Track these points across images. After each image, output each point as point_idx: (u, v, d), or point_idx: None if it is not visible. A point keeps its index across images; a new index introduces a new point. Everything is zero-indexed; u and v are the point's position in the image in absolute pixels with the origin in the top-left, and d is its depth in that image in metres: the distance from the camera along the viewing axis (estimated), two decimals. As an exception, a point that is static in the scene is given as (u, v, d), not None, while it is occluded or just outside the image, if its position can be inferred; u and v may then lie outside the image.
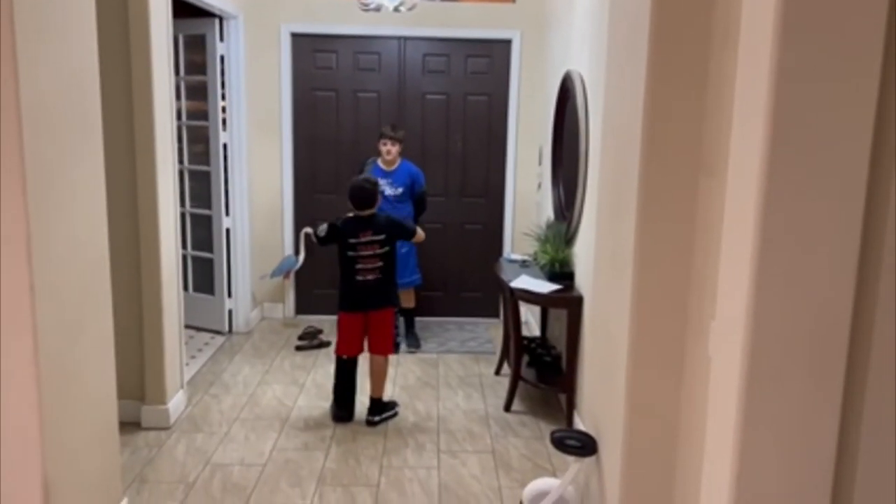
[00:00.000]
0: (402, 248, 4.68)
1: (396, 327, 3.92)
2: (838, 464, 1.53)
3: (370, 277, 3.84)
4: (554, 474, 3.34)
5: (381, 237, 3.83)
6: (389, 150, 4.89)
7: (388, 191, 4.87)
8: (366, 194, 3.83)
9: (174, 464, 3.39)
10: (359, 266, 3.82)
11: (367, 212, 3.85)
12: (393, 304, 3.96)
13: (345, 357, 3.94)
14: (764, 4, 1.43)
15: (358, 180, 3.90)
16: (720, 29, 1.89)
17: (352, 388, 3.99)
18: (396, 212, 4.78)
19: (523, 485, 3.06)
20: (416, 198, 5.01)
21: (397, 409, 4.06)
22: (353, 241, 3.81)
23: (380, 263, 3.84)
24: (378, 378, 3.94)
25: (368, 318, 3.91)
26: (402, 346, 5.03)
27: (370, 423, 3.89)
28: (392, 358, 4.67)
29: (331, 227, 3.87)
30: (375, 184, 3.91)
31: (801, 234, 1.45)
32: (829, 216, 1.44)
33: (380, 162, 4.93)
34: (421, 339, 5.21)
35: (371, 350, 3.94)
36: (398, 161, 4.97)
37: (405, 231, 3.98)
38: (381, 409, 3.95)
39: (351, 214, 3.87)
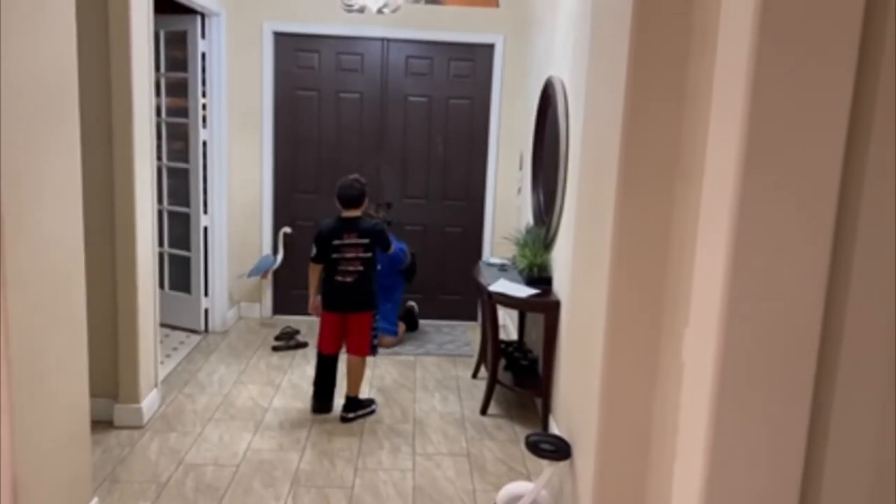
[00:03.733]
0: (386, 303, 4.98)
1: (374, 329, 3.92)
2: (807, 467, 1.55)
3: (349, 280, 3.87)
4: (528, 478, 3.35)
5: (365, 241, 3.85)
6: None
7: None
8: (354, 192, 3.84)
9: (147, 463, 3.35)
10: (340, 267, 3.86)
11: (353, 213, 3.87)
12: (371, 308, 3.96)
13: (325, 354, 3.99)
14: (742, 14, 1.45)
15: (347, 179, 3.90)
16: (698, 38, 1.91)
17: (331, 383, 4.03)
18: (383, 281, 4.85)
19: (498, 488, 3.07)
20: (404, 268, 5.18)
21: (374, 407, 4.07)
22: (336, 242, 3.83)
23: (360, 267, 3.87)
24: (354, 377, 3.96)
25: (347, 320, 3.94)
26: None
27: (344, 420, 3.92)
28: (369, 359, 4.67)
29: (315, 241, 3.89)
30: (364, 184, 3.92)
31: (774, 241, 1.47)
32: (801, 224, 1.47)
33: None
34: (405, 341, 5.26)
35: (348, 350, 3.97)
36: None
37: (385, 240, 3.98)
38: (356, 406, 3.97)
39: (339, 216, 3.89)
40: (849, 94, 1.43)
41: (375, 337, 3.99)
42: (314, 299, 4.00)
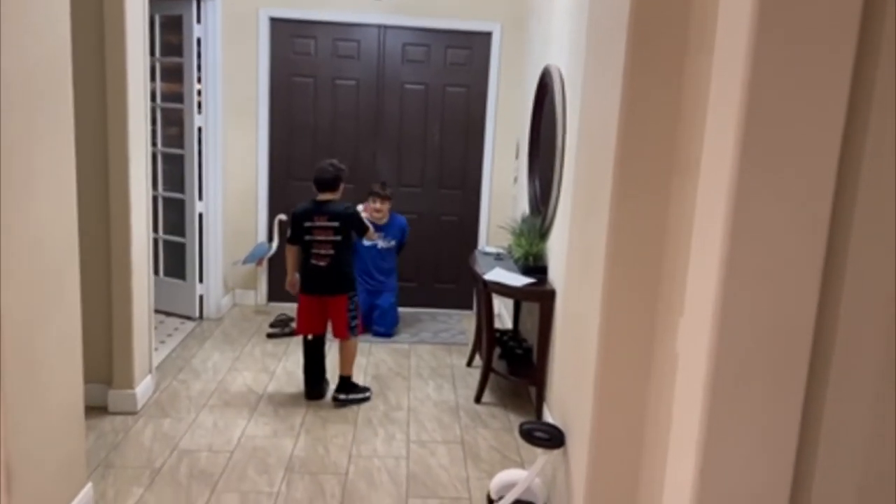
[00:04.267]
0: (386, 302, 5.09)
1: (352, 311, 3.99)
2: (799, 460, 1.56)
3: (322, 263, 3.90)
4: (522, 466, 3.37)
5: (335, 224, 3.87)
6: (380, 208, 5.00)
7: (382, 244, 5.09)
8: (327, 175, 3.88)
9: (141, 449, 3.36)
10: (313, 250, 3.90)
11: (326, 196, 3.90)
12: (346, 290, 3.96)
13: (308, 337, 4.03)
14: (740, 8, 1.45)
15: (324, 163, 3.96)
16: (697, 31, 1.91)
17: (320, 367, 4.07)
18: (385, 263, 5.17)
19: (491, 475, 3.09)
20: (400, 244, 5.25)
21: (369, 394, 4.08)
22: (307, 224, 3.87)
23: (332, 251, 3.88)
24: (345, 358, 4.01)
25: (325, 303, 3.97)
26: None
27: (336, 401, 3.96)
28: (363, 347, 4.72)
29: (290, 222, 3.97)
30: (340, 168, 3.95)
31: (769, 234, 1.47)
32: (797, 217, 1.47)
33: (367, 217, 4.70)
34: (394, 329, 5.26)
35: (333, 333, 4.01)
36: (388, 216, 5.11)
37: (359, 225, 4.00)
38: (349, 388, 4.00)
39: (313, 199, 3.93)
40: (846, 88, 1.43)
41: (354, 318, 4.00)
42: (291, 276, 4.06)
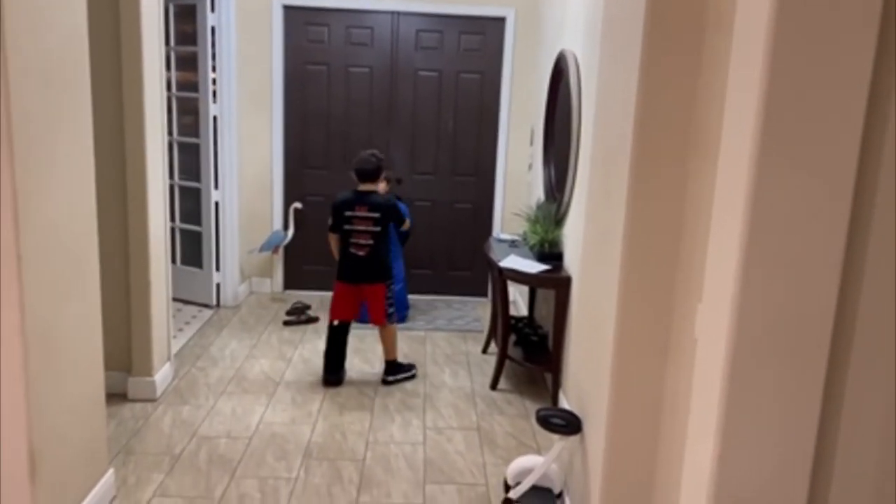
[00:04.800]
0: (396, 285, 4.96)
1: (389, 298, 4.08)
2: (819, 445, 1.55)
3: (361, 253, 3.96)
4: (538, 452, 3.38)
5: (375, 215, 3.92)
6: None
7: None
8: (369, 166, 3.93)
9: (160, 436, 3.40)
10: (352, 240, 3.96)
11: (368, 186, 3.96)
12: (384, 279, 4.03)
13: (335, 323, 4.07)
14: (760, -12, 1.43)
15: (365, 153, 3.99)
16: (714, 11, 1.88)
17: (342, 355, 4.12)
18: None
19: (508, 462, 3.10)
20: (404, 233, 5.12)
21: (414, 371, 4.23)
22: (348, 213, 3.93)
23: (371, 241, 3.94)
24: (386, 343, 4.13)
25: (362, 291, 4.03)
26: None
27: (385, 383, 4.10)
28: (378, 334, 4.73)
29: (331, 210, 4.01)
30: (381, 159, 4.00)
31: (790, 219, 1.46)
32: (818, 201, 1.45)
33: None
34: (408, 317, 5.25)
35: (371, 321, 4.11)
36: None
37: (398, 216, 4.06)
38: (396, 370, 4.14)
39: (356, 189, 3.98)
40: (869, 70, 1.41)
41: (391, 305, 4.09)
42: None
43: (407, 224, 4.18)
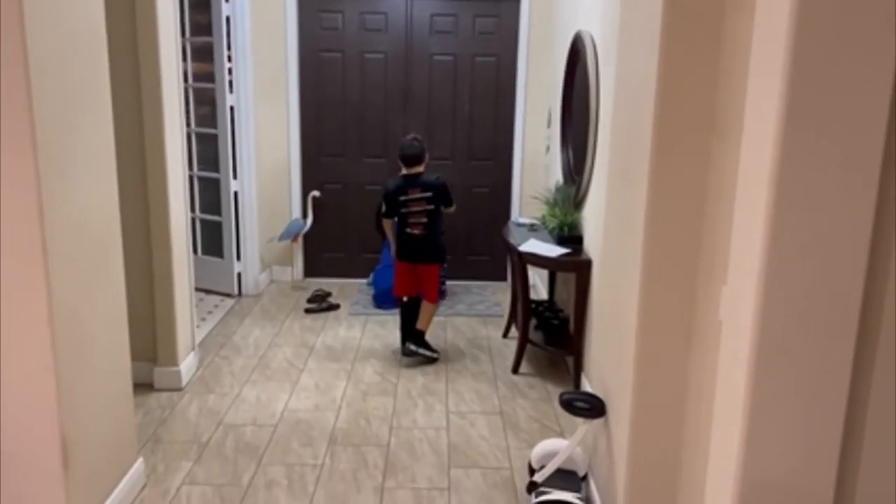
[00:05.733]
0: None
1: (442, 277, 4.40)
2: (847, 429, 1.54)
3: (417, 232, 4.19)
4: (562, 435, 3.38)
5: (428, 195, 4.14)
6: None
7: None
8: (414, 150, 4.15)
9: (187, 424, 3.44)
10: (409, 220, 4.18)
11: (416, 169, 4.16)
12: (438, 260, 4.28)
13: (404, 299, 4.33)
14: (784, -36, 1.40)
15: (407, 139, 4.21)
16: (737, -11, 1.85)
17: (414, 326, 4.32)
18: None
19: (531, 445, 3.11)
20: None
21: (437, 356, 4.31)
22: (403, 198, 4.14)
23: (425, 220, 4.16)
24: (424, 315, 4.29)
25: (418, 269, 4.26)
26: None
27: (406, 352, 4.25)
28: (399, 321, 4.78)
29: (384, 198, 4.22)
30: (423, 142, 4.21)
31: (816, 200, 1.44)
32: (844, 181, 1.43)
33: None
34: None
35: (424, 297, 4.31)
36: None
37: (447, 196, 4.23)
38: (420, 342, 4.28)
39: (404, 174, 4.18)
40: (893, 52, 1.38)
41: (443, 284, 4.33)
42: (395, 246, 4.34)
43: (453, 208, 4.32)
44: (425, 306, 4.29)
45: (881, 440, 1.56)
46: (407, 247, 4.23)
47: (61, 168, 2.25)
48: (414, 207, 4.14)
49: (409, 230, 4.18)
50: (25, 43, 2.03)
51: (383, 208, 4.25)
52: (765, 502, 1.56)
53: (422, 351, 4.26)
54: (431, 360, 4.28)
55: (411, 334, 4.27)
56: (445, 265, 4.26)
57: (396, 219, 4.22)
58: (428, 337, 4.29)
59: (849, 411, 1.53)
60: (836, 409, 1.52)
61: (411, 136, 4.24)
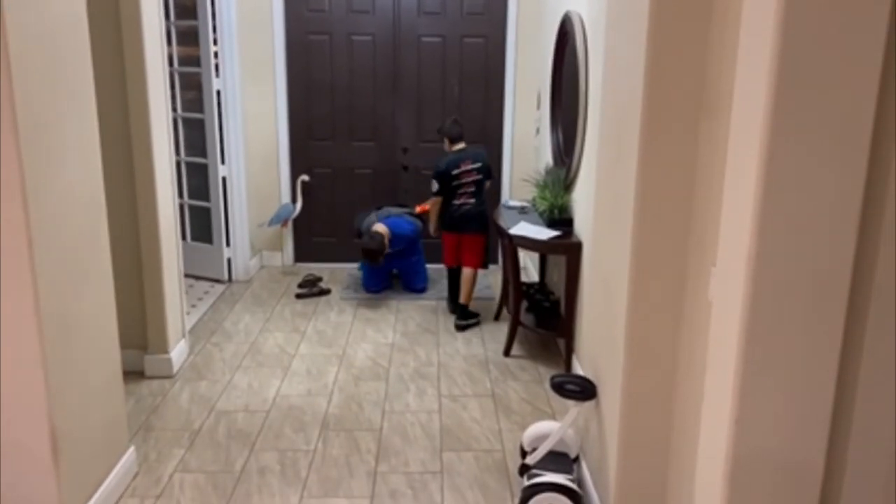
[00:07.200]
0: (413, 255, 5.16)
1: (486, 249, 4.64)
2: (836, 409, 1.55)
3: (466, 202, 4.51)
4: (553, 417, 3.40)
5: (478, 165, 4.51)
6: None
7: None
8: (458, 129, 4.56)
9: (179, 411, 3.43)
10: (460, 191, 4.50)
11: (460, 145, 4.55)
12: (484, 231, 4.57)
13: (452, 266, 4.73)
14: (773, -60, 1.38)
15: (448, 121, 4.62)
16: (726, -34, 1.83)
17: (459, 290, 4.68)
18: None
19: (523, 427, 3.12)
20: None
21: (479, 318, 4.64)
22: (455, 171, 4.48)
23: (473, 189, 4.50)
24: (466, 286, 4.59)
25: (463, 240, 4.58)
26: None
27: (458, 328, 4.54)
28: (392, 304, 4.80)
29: (437, 176, 4.51)
30: (459, 120, 4.62)
31: (805, 179, 1.43)
32: (834, 160, 1.42)
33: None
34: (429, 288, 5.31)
35: (463, 263, 4.62)
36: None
37: (489, 169, 4.62)
38: (468, 315, 4.59)
39: (452, 150, 4.54)
40: (885, 25, 1.37)
41: (488, 253, 4.65)
42: (435, 224, 4.73)
43: (489, 183, 4.63)
44: (467, 276, 4.57)
45: (871, 414, 1.56)
46: (457, 218, 4.54)
47: (45, 156, 2.22)
48: (465, 178, 4.48)
49: (457, 201, 4.50)
50: (5, 28, 1.99)
51: (436, 187, 4.52)
52: (754, 479, 1.57)
53: (470, 322, 4.57)
54: (477, 325, 4.60)
55: (459, 308, 4.59)
56: (489, 237, 4.62)
57: (446, 194, 4.50)
58: (419, 320, 4.30)
59: (838, 389, 1.54)
60: (825, 387, 1.53)
61: (452, 117, 4.66)
